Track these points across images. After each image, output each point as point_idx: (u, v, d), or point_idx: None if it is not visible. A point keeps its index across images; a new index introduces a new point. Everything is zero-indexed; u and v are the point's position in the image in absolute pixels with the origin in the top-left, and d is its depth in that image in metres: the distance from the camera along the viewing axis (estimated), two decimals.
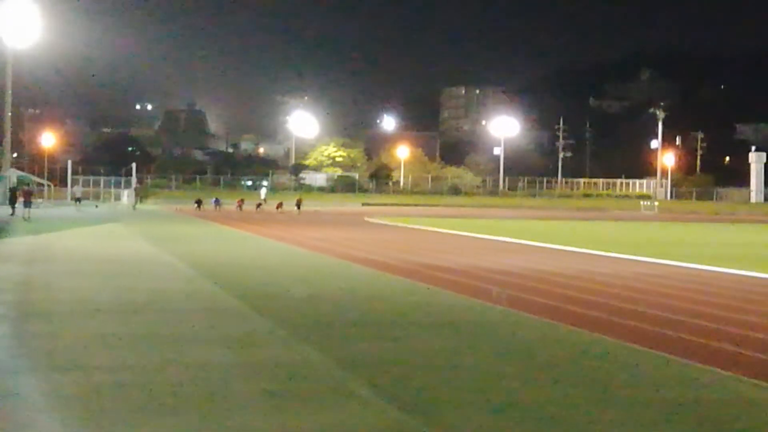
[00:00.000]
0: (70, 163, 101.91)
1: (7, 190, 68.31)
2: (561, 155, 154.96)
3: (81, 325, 14.19)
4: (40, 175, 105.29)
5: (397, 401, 9.45)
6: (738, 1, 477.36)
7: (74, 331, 13.66)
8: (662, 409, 9.45)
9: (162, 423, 8.50)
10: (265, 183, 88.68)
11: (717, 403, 9.86)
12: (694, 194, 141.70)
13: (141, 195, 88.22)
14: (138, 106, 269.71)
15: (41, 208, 67.77)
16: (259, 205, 79.91)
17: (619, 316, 15.84)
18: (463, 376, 10.91)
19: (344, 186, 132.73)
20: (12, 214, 55.98)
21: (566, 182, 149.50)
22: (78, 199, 78.91)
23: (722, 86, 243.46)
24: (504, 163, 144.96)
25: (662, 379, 10.97)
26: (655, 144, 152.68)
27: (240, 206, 79.48)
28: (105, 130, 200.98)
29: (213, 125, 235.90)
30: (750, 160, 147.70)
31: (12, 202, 60.34)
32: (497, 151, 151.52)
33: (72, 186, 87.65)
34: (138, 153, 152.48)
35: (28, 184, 79.47)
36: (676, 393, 10.25)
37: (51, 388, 9.91)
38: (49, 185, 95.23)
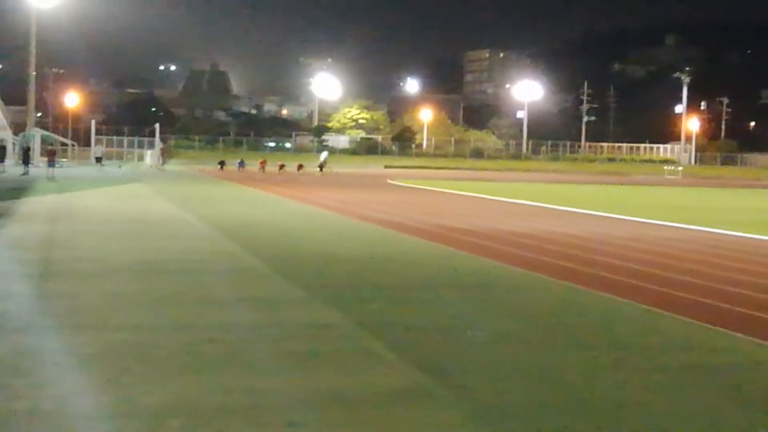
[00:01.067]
0: (93, 123, 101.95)
1: (20, 149, 68.00)
2: (585, 119, 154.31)
3: (102, 285, 14.23)
4: (64, 134, 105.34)
5: (416, 362, 9.46)
6: None
7: (95, 290, 13.70)
8: (681, 373, 9.43)
9: (182, 382, 8.52)
10: (324, 153, 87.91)
11: (736, 367, 9.83)
12: (719, 159, 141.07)
13: (168, 155, 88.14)
14: (161, 67, 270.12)
15: (65, 168, 67.86)
16: (321, 167, 79.10)
17: (640, 280, 15.79)
18: (484, 340, 10.90)
19: (367, 148, 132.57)
20: (25, 173, 56.00)
21: (590, 146, 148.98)
22: (99, 159, 78.56)
23: (747, 52, 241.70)
24: (527, 127, 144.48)
25: (682, 343, 10.95)
26: (679, 109, 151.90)
27: (263, 168, 79.41)
28: (128, 90, 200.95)
29: (236, 86, 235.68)
30: None
31: (25, 161, 60.27)
32: (520, 114, 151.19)
33: (94, 146, 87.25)
34: (161, 114, 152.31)
35: (51, 144, 79.64)
36: (695, 357, 10.23)
37: (72, 346, 9.95)
38: (73, 145, 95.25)
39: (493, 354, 10.14)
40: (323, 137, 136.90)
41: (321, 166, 79.41)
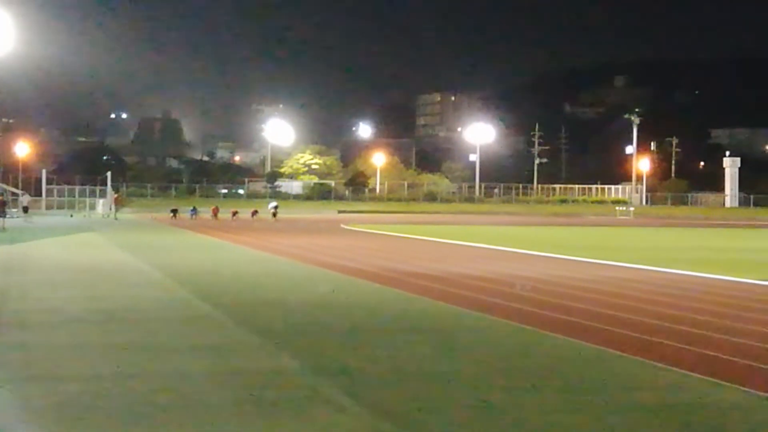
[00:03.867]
0: (44, 172, 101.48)
1: None
2: (537, 161, 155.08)
3: (54, 335, 14.12)
4: (15, 184, 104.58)
5: (372, 408, 9.44)
6: (710, 8, 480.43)
7: (48, 340, 13.60)
8: (637, 414, 9.48)
9: None
10: (273, 202, 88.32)
11: (691, 406, 9.87)
12: (670, 199, 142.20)
13: (121, 203, 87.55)
14: (113, 115, 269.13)
15: (16, 218, 67.32)
16: (274, 214, 79.43)
17: (596, 321, 15.86)
18: (442, 382, 10.90)
19: (320, 193, 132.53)
20: None
21: (542, 188, 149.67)
22: (26, 209, 74.15)
23: (696, 92, 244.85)
24: (480, 170, 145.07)
25: (638, 383, 11.01)
26: (630, 149, 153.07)
27: (215, 215, 79.27)
28: (80, 138, 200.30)
29: (188, 133, 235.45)
30: (724, 165, 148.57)
31: (1, 213, 59.16)
32: (473, 157, 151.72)
33: (21, 196, 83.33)
34: (113, 162, 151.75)
35: (2, 194, 78.90)
36: (652, 397, 10.27)
37: (25, 398, 9.84)
38: (24, 195, 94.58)
39: (449, 396, 10.12)
40: (276, 183, 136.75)
41: (274, 213, 79.75)
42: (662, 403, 10.00)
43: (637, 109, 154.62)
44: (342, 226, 65.16)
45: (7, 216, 60.05)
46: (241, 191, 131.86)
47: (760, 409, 9.89)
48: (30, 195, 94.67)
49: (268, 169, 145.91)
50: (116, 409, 9.32)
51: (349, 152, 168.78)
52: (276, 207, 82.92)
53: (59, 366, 11.62)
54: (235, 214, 79.13)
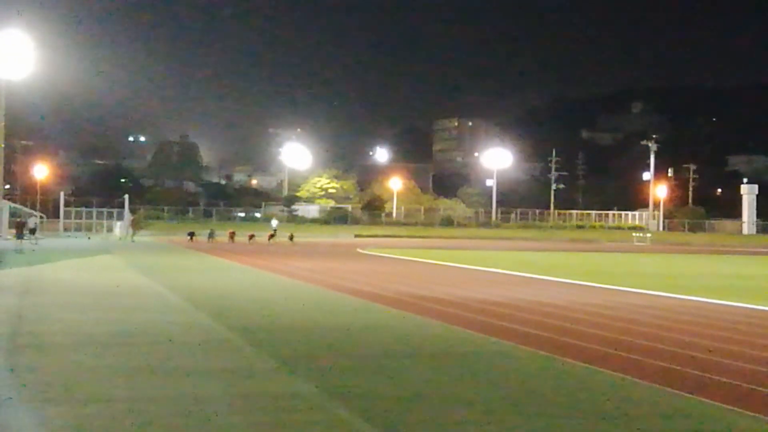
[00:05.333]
0: (62, 194, 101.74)
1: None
2: (553, 187, 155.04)
3: (73, 357, 14.15)
4: (33, 206, 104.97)
5: None
6: (728, 35, 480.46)
7: (67, 363, 13.63)
8: None
9: None
10: (274, 221, 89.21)
11: None
12: (687, 226, 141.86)
13: (138, 226, 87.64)
14: (131, 138, 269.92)
15: (37, 239, 67.51)
16: (271, 236, 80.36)
17: (612, 347, 15.84)
18: (456, 407, 10.90)
19: (337, 218, 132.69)
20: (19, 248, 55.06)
21: (559, 214, 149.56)
22: (33, 230, 72.39)
23: (714, 119, 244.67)
24: (496, 195, 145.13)
25: (656, 411, 10.98)
26: (647, 176, 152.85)
27: (232, 238, 79.37)
28: (97, 161, 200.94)
29: (206, 156, 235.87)
30: (742, 192, 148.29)
31: (20, 235, 59.62)
32: (490, 182, 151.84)
33: (29, 217, 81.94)
34: (131, 184, 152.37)
35: (20, 216, 79.12)
36: (669, 426, 10.25)
37: (43, 420, 9.88)
38: (42, 217, 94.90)
39: (466, 421, 10.12)
40: (293, 207, 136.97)
41: (271, 235, 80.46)
42: (676, 430, 9.97)
43: (654, 136, 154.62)
44: (358, 250, 65.18)
45: (26, 238, 60.22)
46: (257, 215, 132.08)
47: None
48: (46, 217, 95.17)
49: (285, 192, 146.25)
50: (131, 431, 9.35)
51: (366, 176, 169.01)
52: (276, 226, 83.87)
53: (76, 388, 11.65)
54: (251, 237, 79.19)
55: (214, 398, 11.13)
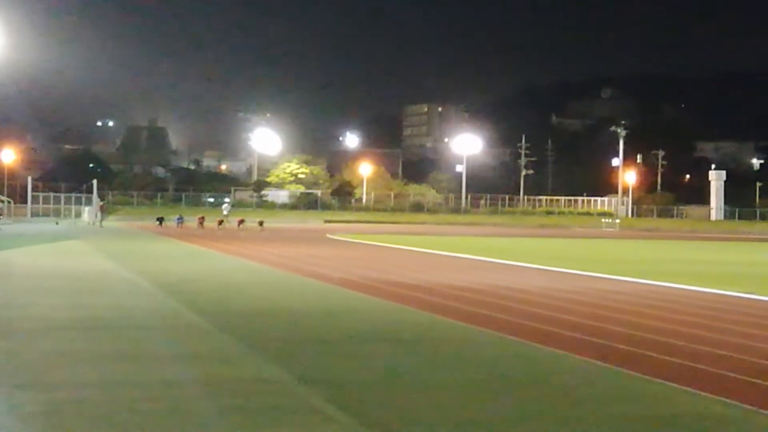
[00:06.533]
0: (30, 179, 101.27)
1: None
2: (523, 173, 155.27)
3: (40, 343, 14.10)
4: (0, 191, 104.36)
5: (361, 417, 9.45)
6: (697, 22, 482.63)
7: (34, 348, 13.58)
8: (623, 426, 9.52)
9: None
10: (227, 199, 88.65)
11: (675, 418, 9.92)
12: (655, 212, 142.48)
13: (105, 212, 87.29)
14: (99, 123, 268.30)
15: (1, 225, 67.16)
16: (220, 222, 79.37)
17: (581, 332, 15.92)
18: (425, 392, 10.92)
19: (307, 203, 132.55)
20: None
21: (528, 200, 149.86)
22: None
23: (682, 105, 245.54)
24: (466, 181, 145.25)
25: (623, 394, 11.05)
26: (616, 162, 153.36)
27: (201, 223, 79.08)
28: (66, 146, 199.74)
29: (175, 141, 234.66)
30: (710, 178, 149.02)
31: None
32: (459, 168, 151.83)
33: None
34: (99, 169, 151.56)
35: None
36: (637, 409, 10.31)
37: (10, 405, 9.84)
38: (9, 202, 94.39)
39: (435, 407, 10.15)
40: (263, 192, 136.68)
41: (221, 222, 79.30)
42: (648, 415, 10.03)
43: (623, 122, 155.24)
44: (328, 235, 65.18)
45: None
46: (227, 200, 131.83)
47: (742, 421, 9.93)
48: (14, 202, 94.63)
49: (254, 177, 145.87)
50: (102, 417, 9.32)
51: (336, 162, 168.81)
52: (229, 211, 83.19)
53: (45, 374, 11.61)
54: (221, 222, 78.85)
55: (183, 383, 11.11)
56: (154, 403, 9.95)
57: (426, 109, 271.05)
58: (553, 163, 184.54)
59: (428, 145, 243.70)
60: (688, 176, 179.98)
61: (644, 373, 12.20)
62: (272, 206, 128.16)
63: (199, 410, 9.72)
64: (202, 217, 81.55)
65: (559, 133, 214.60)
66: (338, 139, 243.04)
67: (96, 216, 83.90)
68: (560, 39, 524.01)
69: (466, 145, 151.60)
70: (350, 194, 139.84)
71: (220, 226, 76.91)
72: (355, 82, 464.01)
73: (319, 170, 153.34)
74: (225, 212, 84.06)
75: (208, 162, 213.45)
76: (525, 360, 13.42)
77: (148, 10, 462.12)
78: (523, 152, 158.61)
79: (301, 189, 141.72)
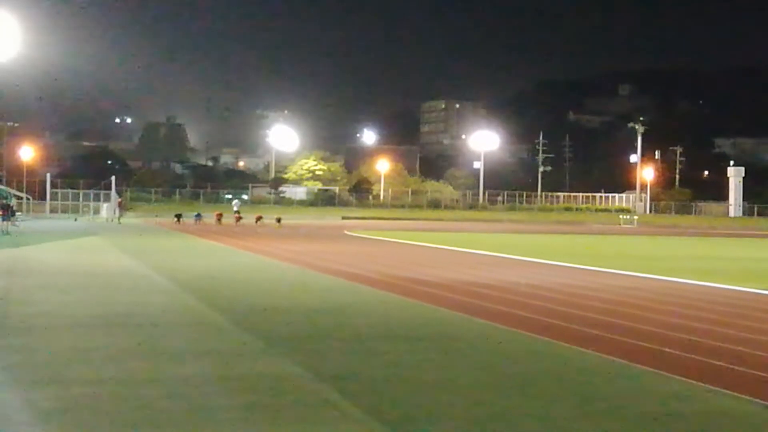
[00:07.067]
0: (48, 176, 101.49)
1: None
2: (541, 169, 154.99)
3: (59, 339, 14.15)
4: (19, 188, 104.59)
5: (377, 414, 9.46)
6: (714, 18, 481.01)
7: (52, 344, 13.62)
8: (639, 422, 9.49)
9: None
10: (234, 196, 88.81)
11: (694, 415, 9.89)
12: (673, 208, 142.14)
13: (123, 208, 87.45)
14: (117, 120, 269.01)
15: (20, 221, 67.31)
16: (239, 218, 79.36)
17: (599, 329, 15.88)
18: (443, 389, 10.92)
19: (324, 199, 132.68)
20: None
21: (546, 196, 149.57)
22: (12, 212, 68.14)
23: (700, 101, 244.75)
24: (484, 177, 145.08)
25: (640, 392, 11.01)
26: (634, 158, 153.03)
27: (219, 220, 79.14)
28: (84, 143, 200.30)
29: (193, 139, 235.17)
30: (728, 175, 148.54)
31: (5, 217, 58.92)
32: (477, 165, 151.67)
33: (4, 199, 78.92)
34: (117, 166, 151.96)
35: (5, 198, 78.77)
36: (654, 406, 10.28)
37: (29, 402, 9.87)
38: (28, 198, 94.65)
39: (451, 403, 10.14)
40: (280, 189, 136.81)
41: (238, 217, 79.20)
42: (665, 412, 10.01)
43: (641, 118, 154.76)
44: (346, 232, 65.16)
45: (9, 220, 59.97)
46: (245, 197, 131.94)
47: (761, 418, 9.89)
48: (32, 199, 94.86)
49: (272, 174, 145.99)
50: (120, 413, 9.35)
51: (354, 158, 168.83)
52: (239, 207, 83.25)
53: (63, 370, 11.65)
54: (239, 219, 78.91)
55: (201, 380, 11.13)
56: (171, 400, 9.97)
57: (443, 106, 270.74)
58: (570, 160, 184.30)
59: (445, 141, 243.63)
60: (706, 172, 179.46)
61: (661, 369, 12.16)
62: (290, 203, 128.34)
63: (217, 407, 9.73)
64: (220, 214, 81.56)
65: (577, 130, 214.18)
66: (356, 136, 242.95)
67: (114, 212, 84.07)
68: (577, 35, 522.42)
69: (484, 141, 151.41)
70: (368, 191, 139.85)
71: (238, 223, 76.95)
72: (373, 78, 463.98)
73: (336, 167, 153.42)
74: (235, 208, 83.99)
75: (225, 159, 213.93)
76: (541, 356, 13.39)
77: (166, 7, 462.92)
78: (540, 149, 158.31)
79: (319, 186, 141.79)
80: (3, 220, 56.90)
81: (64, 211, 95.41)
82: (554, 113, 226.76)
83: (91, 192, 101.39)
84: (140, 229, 65.10)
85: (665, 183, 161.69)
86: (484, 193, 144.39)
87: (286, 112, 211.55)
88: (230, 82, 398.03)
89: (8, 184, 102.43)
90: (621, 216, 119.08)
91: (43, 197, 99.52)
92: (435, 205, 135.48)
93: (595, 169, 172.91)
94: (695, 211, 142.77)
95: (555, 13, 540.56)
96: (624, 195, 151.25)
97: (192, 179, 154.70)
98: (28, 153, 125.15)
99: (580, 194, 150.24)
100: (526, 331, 15.61)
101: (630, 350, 13.73)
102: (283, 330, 15.52)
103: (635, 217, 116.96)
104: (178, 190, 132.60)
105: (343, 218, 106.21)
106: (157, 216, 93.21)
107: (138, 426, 8.88)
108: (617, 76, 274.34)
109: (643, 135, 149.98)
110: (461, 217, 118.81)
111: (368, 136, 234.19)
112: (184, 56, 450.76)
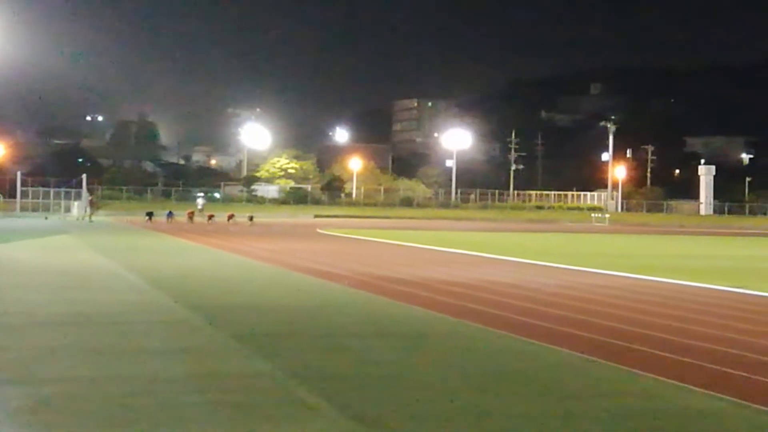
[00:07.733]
0: (19, 174, 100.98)
1: None
2: (513, 168, 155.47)
3: (30, 338, 14.10)
4: None
5: (349, 412, 9.46)
6: (687, 17, 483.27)
7: (23, 343, 13.56)
8: (611, 420, 9.53)
9: None
10: (200, 194, 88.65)
11: (666, 413, 9.94)
12: (645, 206, 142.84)
13: (95, 206, 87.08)
14: (88, 118, 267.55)
15: None
16: (210, 216, 79.13)
17: (571, 327, 15.94)
18: (416, 386, 10.93)
19: (296, 198, 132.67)
20: None
21: (518, 194, 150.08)
22: None
23: (672, 100, 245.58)
24: (456, 176, 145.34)
25: (614, 389, 11.06)
26: (605, 157, 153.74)
27: (191, 218, 79.03)
28: (55, 141, 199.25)
29: (164, 136, 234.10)
30: (699, 173, 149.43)
31: None
32: (449, 163, 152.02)
33: None
34: (88, 164, 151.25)
35: None
36: (625, 403, 10.33)
37: (1, 401, 9.82)
38: None
39: (423, 401, 10.16)
40: (252, 187, 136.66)
41: (192, 214, 79.17)
42: (635, 409, 10.05)
43: (613, 117, 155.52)
44: (318, 230, 65.17)
45: None
46: (217, 195, 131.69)
47: (730, 415, 9.95)
48: (3, 197, 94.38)
49: (244, 172, 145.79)
50: (92, 412, 9.32)
51: (326, 157, 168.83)
52: (203, 205, 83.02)
53: (34, 369, 11.60)
54: (210, 217, 78.80)
55: (173, 378, 11.11)
56: (144, 398, 9.94)
57: (416, 104, 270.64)
58: (542, 158, 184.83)
59: (418, 140, 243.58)
60: (677, 171, 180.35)
61: (632, 366, 12.21)
62: (262, 201, 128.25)
63: (189, 405, 9.71)
64: (192, 212, 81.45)
65: (549, 128, 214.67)
66: (328, 134, 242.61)
67: (85, 211, 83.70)
68: (549, 34, 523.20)
69: (456, 140, 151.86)
70: (340, 189, 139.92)
71: (210, 221, 76.75)
72: (346, 77, 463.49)
73: (308, 165, 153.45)
74: (199, 206, 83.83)
75: (197, 157, 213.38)
76: (513, 354, 13.43)
77: (139, 6, 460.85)
78: (512, 147, 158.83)
79: (291, 184, 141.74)
80: None
81: (34, 210, 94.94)
82: (526, 112, 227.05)
83: (62, 190, 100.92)
84: (112, 227, 64.90)
85: (637, 181, 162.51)
86: (456, 192, 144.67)
87: (258, 110, 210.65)
88: (202, 80, 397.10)
89: None
90: (593, 214, 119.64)
91: (13, 195, 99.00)
92: (407, 203, 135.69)
93: (567, 168, 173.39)
94: (666, 209, 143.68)
95: (527, 12, 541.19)
96: (596, 193, 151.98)
97: (164, 177, 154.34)
98: None
99: (552, 192, 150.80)
100: (498, 329, 15.64)
101: (601, 347, 13.77)
102: (255, 328, 15.50)
103: (607, 216, 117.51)
104: (149, 189, 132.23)
105: (316, 216, 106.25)
106: (128, 214, 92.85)
107: (109, 424, 8.85)
108: (589, 74, 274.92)
109: (615, 133, 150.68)
110: (434, 215, 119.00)
111: (340, 135, 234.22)
112: (156, 54, 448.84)
